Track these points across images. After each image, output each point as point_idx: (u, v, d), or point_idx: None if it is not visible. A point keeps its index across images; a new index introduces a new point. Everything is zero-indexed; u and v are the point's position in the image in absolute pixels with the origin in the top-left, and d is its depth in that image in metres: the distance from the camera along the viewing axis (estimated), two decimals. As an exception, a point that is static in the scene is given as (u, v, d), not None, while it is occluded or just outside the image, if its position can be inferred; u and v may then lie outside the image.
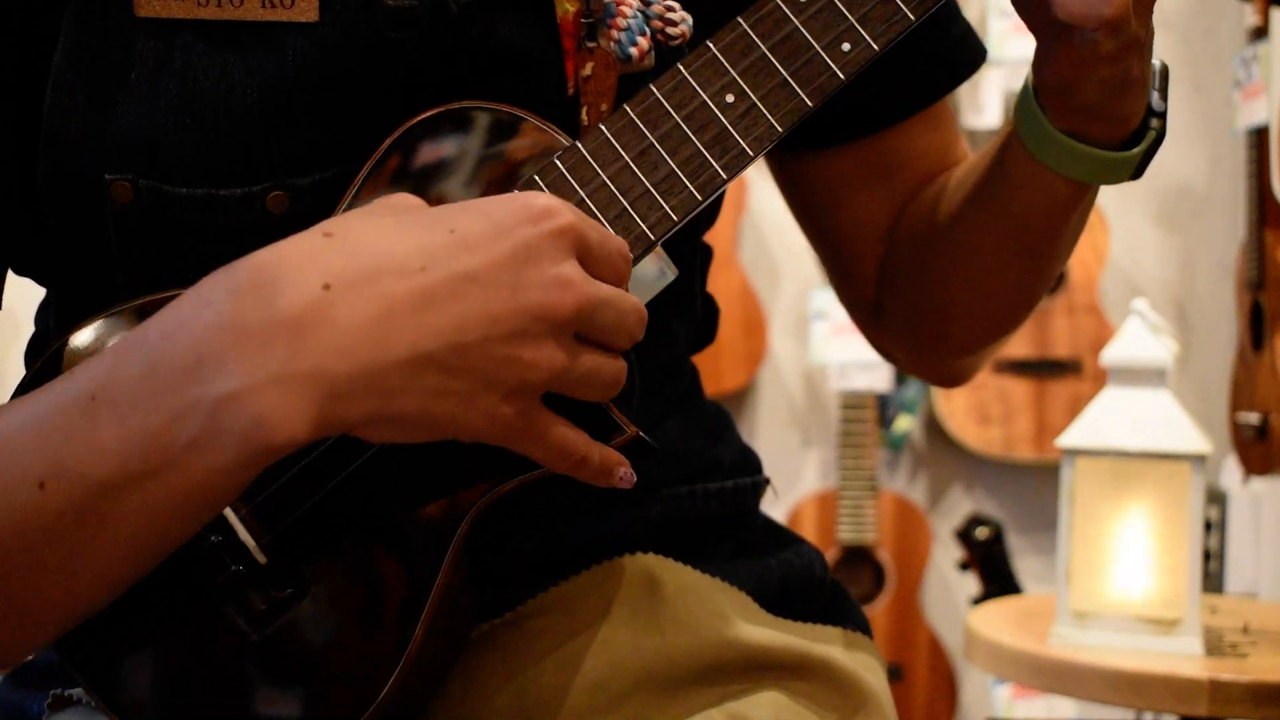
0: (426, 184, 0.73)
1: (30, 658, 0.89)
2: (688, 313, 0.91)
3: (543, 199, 0.66)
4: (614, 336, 0.67)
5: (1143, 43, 0.77)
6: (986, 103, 3.18)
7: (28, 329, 0.89)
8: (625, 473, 0.70)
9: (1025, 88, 0.82)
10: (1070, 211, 0.85)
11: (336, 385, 0.61)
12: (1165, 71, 0.82)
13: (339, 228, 0.65)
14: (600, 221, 0.72)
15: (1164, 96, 0.82)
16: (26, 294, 0.88)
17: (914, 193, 0.96)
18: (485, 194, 0.73)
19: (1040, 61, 0.80)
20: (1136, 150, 0.81)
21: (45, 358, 0.73)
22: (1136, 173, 0.82)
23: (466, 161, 0.73)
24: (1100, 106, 0.79)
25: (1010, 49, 3.12)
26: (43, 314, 0.89)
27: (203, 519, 0.65)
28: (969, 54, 0.96)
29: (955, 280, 0.92)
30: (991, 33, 3.13)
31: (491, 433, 0.66)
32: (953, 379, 1.03)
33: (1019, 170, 0.84)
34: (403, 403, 0.63)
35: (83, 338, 0.73)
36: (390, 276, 0.63)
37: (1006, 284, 0.91)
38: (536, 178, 0.72)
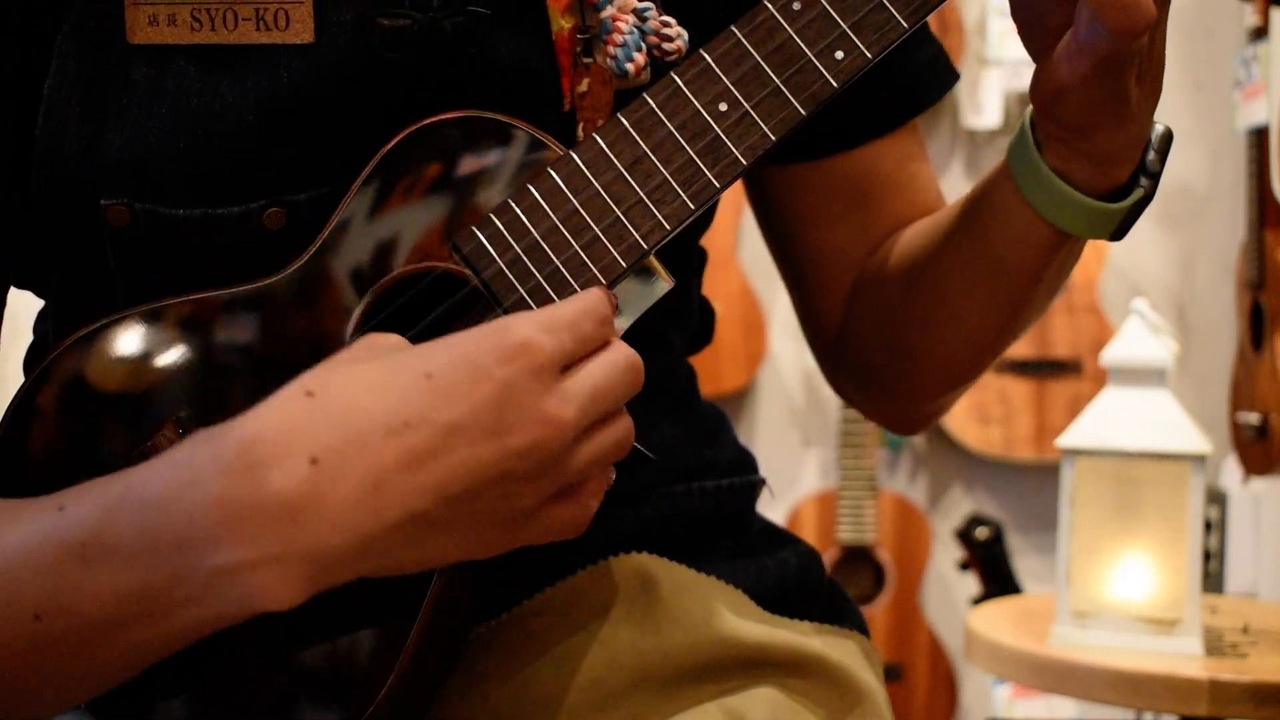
0: (420, 193, 0.73)
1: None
2: (684, 319, 0.91)
3: (516, 333, 0.65)
4: (614, 407, 0.68)
5: (1140, 58, 0.75)
6: (986, 103, 3.19)
7: (28, 330, 0.90)
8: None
9: (1024, 121, 0.81)
10: (1047, 258, 0.83)
11: (331, 557, 0.63)
12: (1168, 135, 0.80)
13: (319, 385, 0.65)
14: (593, 230, 0.72)
15: (1161, 160, 0.80)
16: (27, 296, 0.89)
17: (884, 231, 0.95)
18: (479, 202, 0.73)
19: (1036, 76, 0.78)
20: (1120, 205, 0.79)
21: (42, 368, 0.73)
22: (1118, 232, 0.81)
23: (461, 171, 0.73)
24: (1091, 129, 0.77)
25: (1010, 49, 3.12)
26: (41, 322, 0.89)
27: (192, 643, 0.67)
28: (938, 78, 0.95)
29: (921, 322, 0.91)
30: (991, 33, 3.13)
31: (484, 554, 0.68)
32: (909, 426, 1.00)
33: (1002, 204, 0.83)
34: (396, 557, 0.65)
35: (82, 348, 0.73)
36: (376, 440, 0.63)
37: (974, 330, 0.89)
38: (531, 187, 0.73)
